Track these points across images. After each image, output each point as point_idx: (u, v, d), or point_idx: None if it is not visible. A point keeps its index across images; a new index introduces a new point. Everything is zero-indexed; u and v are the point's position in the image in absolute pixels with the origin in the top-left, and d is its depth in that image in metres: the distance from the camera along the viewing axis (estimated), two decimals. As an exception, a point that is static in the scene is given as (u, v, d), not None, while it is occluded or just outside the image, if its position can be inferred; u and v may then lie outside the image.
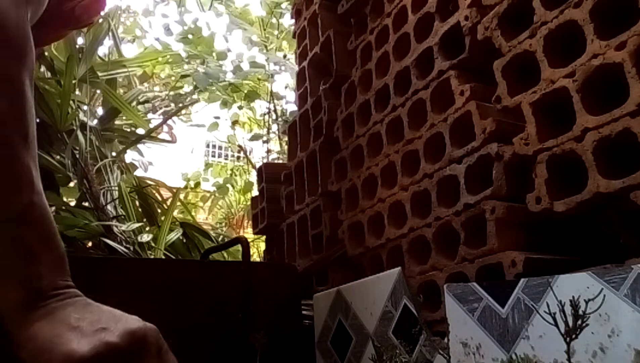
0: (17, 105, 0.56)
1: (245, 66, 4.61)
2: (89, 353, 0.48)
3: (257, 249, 3.55)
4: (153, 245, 2.29)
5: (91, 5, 1.02)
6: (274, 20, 4.77)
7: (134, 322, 0.54)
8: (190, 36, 4.57)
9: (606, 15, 0.81)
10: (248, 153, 5.44)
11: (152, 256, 2.24)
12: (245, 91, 4.47)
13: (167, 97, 4.50)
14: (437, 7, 1.17)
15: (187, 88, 4.59)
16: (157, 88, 4.70)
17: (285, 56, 4.56)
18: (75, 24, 1.12)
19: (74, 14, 1.00)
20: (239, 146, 5.46)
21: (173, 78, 4.62)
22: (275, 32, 4.75)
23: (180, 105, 4.30)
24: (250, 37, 4.73)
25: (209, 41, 4.63)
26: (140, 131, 2.91)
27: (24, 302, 0.52)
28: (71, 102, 2.38)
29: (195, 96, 4.46)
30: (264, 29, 4.70)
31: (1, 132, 0.54)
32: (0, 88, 0.54)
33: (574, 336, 0.64)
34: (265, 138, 4.80)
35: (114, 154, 2.70)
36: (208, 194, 5.14)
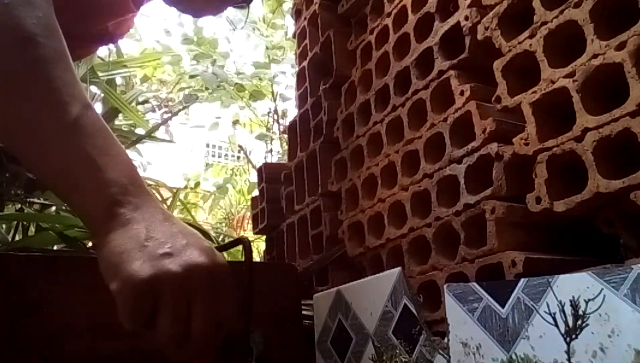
0: (45, 22, 0.57)
1: (248, 67, 4.63)
2: (148, 278, 0.49)
3: (257, 249, 3.55)
4: (153, 244, 2.28)
5: (124, 23, 1.03)
6: (275, 21, 4.77)
7: (199, 254, 0.53)
8: (195, 38, 4.58)
9: (606, 15, 0.81)
10: (248, 153, 5.45)
11: (152, 256, 2.24)
12: (250, 91, 4.48)
13: (169, 98, 4.50)
14: (437, 7, 1.17)
15: (188, 90, 4.59)
16: (154, 87, 4.69)
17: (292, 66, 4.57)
18: (107, 41, 1.14)
19: (107, 30, 1.02)
20: (239, 146, 5.46)
21: (173, 79, 4.62)
22: (280, 32, 4.75)
23: (182, 105, 4.30)
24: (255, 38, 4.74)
25: (211, 42, 4.64)
26: (140, 131, 2.91)
27: (99, 211, 0.53)
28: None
29: (202, 95, 4.46)
30: (266, 29, 4.71)
31: (32, 50, 0.55)
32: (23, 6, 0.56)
33: (574, 336, 0.64)
34: (268, 138, 4.81)
35: (114, 154, 2.70)
36: (208, 194, 5.15)
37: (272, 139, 4.96)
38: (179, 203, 2.84)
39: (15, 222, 2.36)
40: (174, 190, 2.81)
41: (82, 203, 0.54)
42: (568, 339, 0.65)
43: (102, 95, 2.66)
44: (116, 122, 2.82)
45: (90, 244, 2.31)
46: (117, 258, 0.51)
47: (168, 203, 2.64)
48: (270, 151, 5.02)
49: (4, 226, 2.37)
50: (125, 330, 0.56)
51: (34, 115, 0.53)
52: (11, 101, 0.54)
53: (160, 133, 2.98)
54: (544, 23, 0.89)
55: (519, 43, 0.94)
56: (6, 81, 0.54)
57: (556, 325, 0.66)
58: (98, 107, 2.80)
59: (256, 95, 4.57)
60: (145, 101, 3.58)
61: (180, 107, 4.30)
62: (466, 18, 1.08)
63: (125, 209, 0.53)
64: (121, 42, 3.04)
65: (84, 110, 0.56)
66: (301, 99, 1.80)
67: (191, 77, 4.36)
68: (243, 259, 1.15)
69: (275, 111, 4.80)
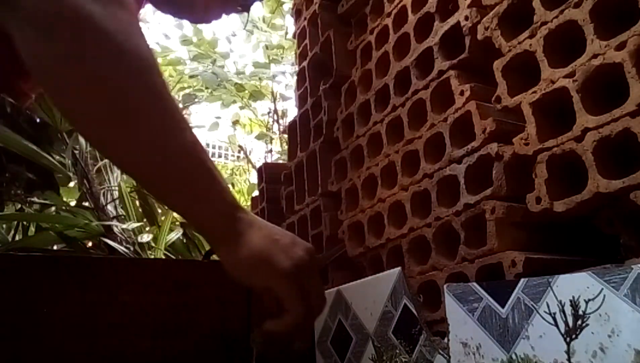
0: (147, 53, 0.60)
1: (249, 67, 4.63)
2: (291, 268, 0.60)
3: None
4: (153, 245, 2.29)
5: None
6: (275, 21, 4.77)
7: (304, 242, 0.66)
8: (194, 39, 4.58)
9: (606, 15, 0.81)
10: (248, 153, 5.45)
11: (152, 256, 2.25)
12: (250, 91, 4.48)
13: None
14: (437, 7, 1.17)
15: (188, 90, 4.59)
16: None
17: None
18: None
19: None
20: (239, 146, 5.46)
21: (173, 79, 4.62)
22: (280, 33, 4.76)
23: (181, 106, 4.30)
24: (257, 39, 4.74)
25: (211, 42, 4.63)
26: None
27: (227, 214, 0.61)
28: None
29: (202, 95, 4.46)
30: (264, 31, 4.71)
31: (151, 77, 0.59)
32: (129, 40, 0.58)
33: (574, 336, 0.64)
34: (268, 138, 4.82)
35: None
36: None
37: (272, 139, 4.96)
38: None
39: (15, 222, 2.36)
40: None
41: (206, 210, 0.61)
42: (568, 339, 0.65)
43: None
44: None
45: (90, 244, 2.32)
46: (264, 255, 0.61)
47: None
48: (270, 151, 5.02)
49: (4, 226, 2.37)
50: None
51: (158, 137, 0.58)
52: (134, 124, 0.58)
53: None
54: (544, 23, 0.89)
55: (519, 43, 0.94)
56: (130, 105, 0.58)
57: (556, 325, 0.66)
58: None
59: (256, 95, 4.58)
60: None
61: (180, 107, 4.30)
62: (466, 18, 1.08)
63: (244, 213, 0.62)
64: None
65: (193, 132, 0.62)
66: (301, 99, 1.80)
67: (191, 77, 4.37)
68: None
69: (275, 111, 4.81)
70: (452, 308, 0.89)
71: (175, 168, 0.59)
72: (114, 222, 2.31)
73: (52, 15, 0.53)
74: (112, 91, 0.55)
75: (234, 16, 1.16)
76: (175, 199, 0.61)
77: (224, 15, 1.09)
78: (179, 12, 1.06)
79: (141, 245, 2.23)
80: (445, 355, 0.88)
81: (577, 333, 0.64)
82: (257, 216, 0.65)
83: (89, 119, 0.56)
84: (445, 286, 0.92)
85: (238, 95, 4.49)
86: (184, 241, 2.51)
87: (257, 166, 2.67)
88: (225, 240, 0.62)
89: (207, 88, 4.34)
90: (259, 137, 4.96)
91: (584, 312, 0.64)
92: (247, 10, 1.12)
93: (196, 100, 4.45)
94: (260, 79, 4.62)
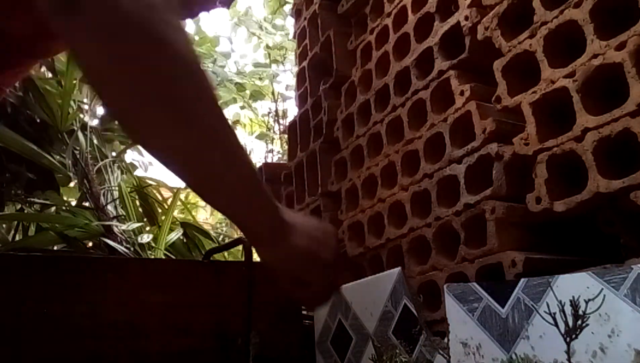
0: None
1: (249, 68, 4.63)
2: (331, 258, 0.73)
3: (258, 249, 3.54)
4: (153, 245, 2.29)
5: None
6: (276, 22, 4.78)
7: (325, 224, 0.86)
8: (196, 37, 4.58)
9: (606, 15, 0.81)
10: (248, 153, 5.45)
11: (152, 256, 2.25)
12: (250, 91, 4.48)
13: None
14: (437, 7, 1.17)
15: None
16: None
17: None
18: None
19: None
20: (239, 146, 5.46)
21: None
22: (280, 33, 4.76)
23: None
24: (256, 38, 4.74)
25: (212, 41, 4.63)
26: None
27: (273, 217, 0.68)
28: (72, 102, 2.39)
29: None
30: (264, 30, 4.71)
31: (204, 81, 0.60)
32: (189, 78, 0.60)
33: (574, 336, 0.64)
34: (268, 138, 4.82)
35: (114, 154, 2.71)
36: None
37: (272, 139, 4.97)
38: (179, 203, 2.84)
39: (15, 222, 2.36)
40: (175, 190, 2.81)
41: (255, 214, 0.67)
42: (568, 339, 0.65)
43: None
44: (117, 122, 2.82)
45: (90, 244, 2.32)
46: (310, 252, 0.71)
47: (168, 202, 2.64)
48: (271, 151, 5.02)
49: (4, 226, 2.37)
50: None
51: (216, 144, 0.61)
52: (199, 128, 0.60)
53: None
54: (544, 23, 0.89)
55: (519, 43, 0.94)
56: (191, 109, 0.59)
57: (556, 325, 0.66)
58: (99, 108, 2.81)
59: (256, 95, 4.58)
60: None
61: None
62: (466, 18, 1.08)
63: (285, 214, 0.69)
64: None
65: (239, 138, 0.66)
66: (301, 99, 1.80)
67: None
68: (243, 259, 1.15)
69: (276, 111, 4.81)
70: (452, 308, 0.89)
71: (229, 174, 0.63)
72: (114, 222, 2.31)
73: (119, 22, 0.53)
74: (176, 98, 0.57)
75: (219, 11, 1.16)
76: (225, 202, 0.66)
77: (204, 11, 1.10)
78: None
79: (141, 245, 2.23)
80: (445, 355, 0.88)
81: (577, 333, 0.64)
82: (293, 213, 0.73)
83: (152, 123, 0.58)
84: (445, 286, 0.92)
85: (239, 94, 4.50)
86: (184, 241, 2.51)
87: (258, 166, 2.67)
88: (272, 241, 0.69)
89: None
90: (260, 137, 4.97)
91: (584, 312, 0.64)
92: (228, 5, 1.13)
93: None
94: (260, 79, 4.62)
